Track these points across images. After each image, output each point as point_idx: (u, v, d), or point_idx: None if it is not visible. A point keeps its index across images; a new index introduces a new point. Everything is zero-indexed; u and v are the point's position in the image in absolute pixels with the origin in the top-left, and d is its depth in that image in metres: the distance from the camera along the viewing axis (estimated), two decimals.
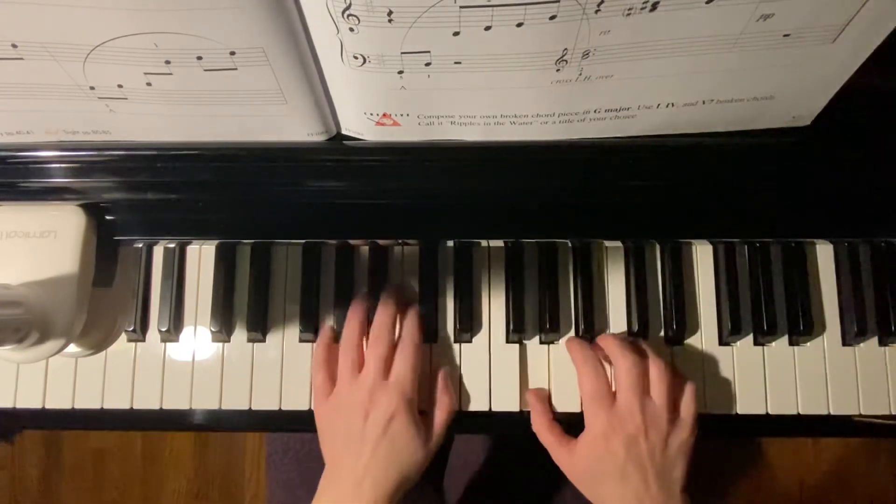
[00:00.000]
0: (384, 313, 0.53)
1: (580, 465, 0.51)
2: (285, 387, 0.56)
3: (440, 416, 0.53)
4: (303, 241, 0.56)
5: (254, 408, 0.56)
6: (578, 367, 0.53)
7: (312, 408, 0.55)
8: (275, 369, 0.56)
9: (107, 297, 0.45)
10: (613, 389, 0.52)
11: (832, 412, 0.55)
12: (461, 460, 0.80)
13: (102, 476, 1.38)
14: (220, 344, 0.57)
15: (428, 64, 0.33)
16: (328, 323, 0.56)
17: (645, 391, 0.51)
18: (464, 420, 0.55)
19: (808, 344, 0.56)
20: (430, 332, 0.56)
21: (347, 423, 0.51)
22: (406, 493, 0.52)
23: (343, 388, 0.52)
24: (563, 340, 0.56)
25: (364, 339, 0.54)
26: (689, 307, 0.56)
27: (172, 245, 0.57)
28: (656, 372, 0.51)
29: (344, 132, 0.41)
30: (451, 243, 0.57)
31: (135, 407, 0.56)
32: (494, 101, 0.37)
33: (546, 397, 0.55)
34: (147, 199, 0.43)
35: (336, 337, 0.55)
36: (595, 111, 0.38)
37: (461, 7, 0.29)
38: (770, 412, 0.55)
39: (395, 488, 0.49)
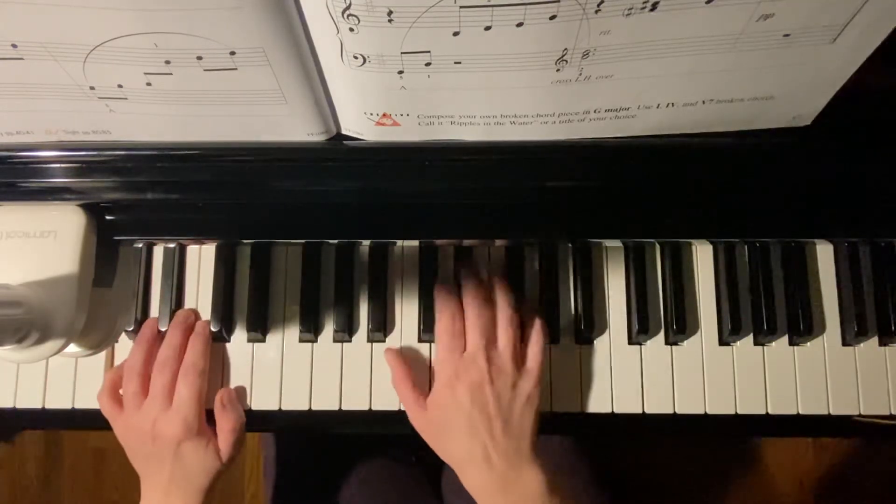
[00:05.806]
0: (169, 342, 0.54)
1: (430, 418, 0.51)
2: (285, 387, 0.56)
3: (226, 430, 0.53)
4: (303, 241, 0.57)
5: (254, 408, 0.56)
6: (437, 314, 0.54)
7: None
8: (275, 369, 0.56)
9: (107, 297, 0.45)
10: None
11: (832, 412, 0.55)
12: None
13: (102, 476, 1.37)
14: (221, 344, 0.57)
15: (428, 64, 0.33)
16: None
17: (493, 340, 0.50)
18: None
19: (808, 344, 0.56)
20: (429, 331, 0.56)
21: (141, 444, 0.52)
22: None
23: (128, 413, 0.53)
24: (564, 341, 0.56)
25: (150, 365, 0.53)
26: (689, 307, 0.56)
27: (172, 245, 0.57)
28: (503, 321, 0.51)
29: (344, 132, 0.41)
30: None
31: None
32: (494, 101, 0.37)
33: (404, 358, 0.55)
34: (147, 199, 0.43)
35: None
36: (595, 111, 0.38)
37: (461, 7, 0.29)
38: (770, 412, 0.55)
39: (200, 492, 0.52)
